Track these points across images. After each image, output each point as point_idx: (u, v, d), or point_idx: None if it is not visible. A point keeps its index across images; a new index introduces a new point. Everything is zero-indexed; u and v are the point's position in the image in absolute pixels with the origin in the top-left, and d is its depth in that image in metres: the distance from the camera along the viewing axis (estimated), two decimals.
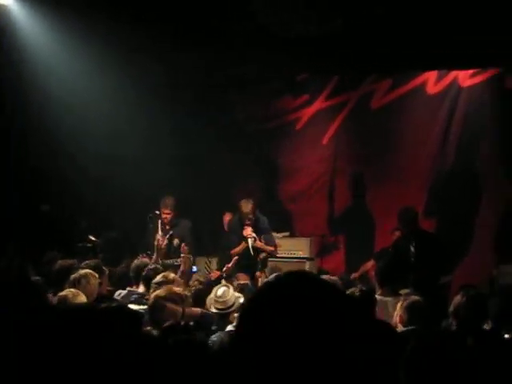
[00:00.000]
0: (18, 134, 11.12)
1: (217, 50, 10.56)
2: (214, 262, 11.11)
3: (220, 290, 6.91)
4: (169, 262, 9.93)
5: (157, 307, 5.72)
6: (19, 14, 10.30)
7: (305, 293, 1.50)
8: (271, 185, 12.71)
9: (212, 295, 6.90)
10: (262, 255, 10.03)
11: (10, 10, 10.24)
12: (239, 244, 10.06)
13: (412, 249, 9.34)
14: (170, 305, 5.74)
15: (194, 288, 7.40)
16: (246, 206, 9.99)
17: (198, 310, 6.65)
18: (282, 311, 1.48)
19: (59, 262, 7.68)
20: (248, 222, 10.00)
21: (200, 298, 7.02)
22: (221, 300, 6.82)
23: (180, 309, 5.87)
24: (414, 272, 8.98)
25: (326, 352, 1.45)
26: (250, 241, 9.94)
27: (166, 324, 5.24)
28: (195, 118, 12.30)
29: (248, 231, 9.97)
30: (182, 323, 5.55)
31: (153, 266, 7.76)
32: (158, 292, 5.96)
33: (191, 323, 6.12)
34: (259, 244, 10.00)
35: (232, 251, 10.15)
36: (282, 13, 9.41)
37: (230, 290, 7.00)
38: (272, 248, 10.18)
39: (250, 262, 9.98)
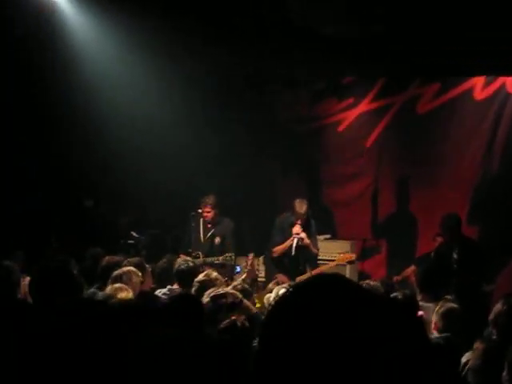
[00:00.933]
0: (63, 131, 11.25)
1: (262, 49, 10.58)
2: (255, 262, 11.13)
3: (282, 291, 6.91)
4: (210, 259, 9.99)
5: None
6: (68, 10, 10.45)
7: (333, 298, 1.42)
8: (314, 186, 12.68)
9: (273, 294, 6.90)
10: (309, 255, 10.03)
11: (60, 6, 10.41)
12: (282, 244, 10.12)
13: (455, 255, 9.30)
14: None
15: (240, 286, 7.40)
16: (301, 207, 10.04)
17: (254, 307, 6.64)
18: (308, 316, 1.40)
19: (106, 258, 7.76)
20: (299, 222, 10.03)
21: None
22: None
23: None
24: (457, 278, 8.91)
25: (352, 359, 1.36)
26: (295, 240, 9.98)
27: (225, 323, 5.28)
28: (239, 117, 12.32)
29: (297, 229, 9.99)
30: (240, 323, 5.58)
31: (185, 264, 7.80)
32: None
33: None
34: (307, 242, 10.01)
35: (274, 249, 10.20)
36: (324, 13, 9.40)
37: None
38: (316, 251, 10.23)
39: (291, 263, 9.99)
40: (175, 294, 7.17)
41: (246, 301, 6.41)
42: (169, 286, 7.65)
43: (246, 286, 7.44)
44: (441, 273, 8.37)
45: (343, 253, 10.67)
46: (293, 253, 10.05)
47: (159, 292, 7.58)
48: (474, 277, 8.88)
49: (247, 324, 5.56)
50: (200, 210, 10.53)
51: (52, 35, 10.31)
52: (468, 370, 4.99)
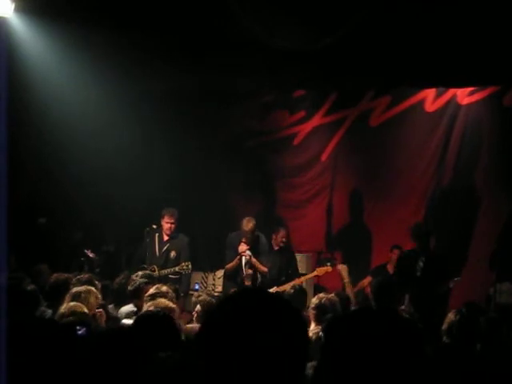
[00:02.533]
0: (16, 148, 11.11)
1: (211, 63, 10.55)
2: (211, 277, 11.08)
3: None
4: (166, 271, 9.95)
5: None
6: (19, 26, 10.33)
7: (249, 305, 1.88)
8: (269, 200, 12.67)
9: None
10: (249, 271, 10.03)
11: (10, 23, 10.27)
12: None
13: (421, 263, 9.40)
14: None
15: (202, 301, 7.34)
16: (247, 225, 10.04)
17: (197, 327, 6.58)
18: (234, 319, 1.85)
19: (54, 275, 7.63)
20: (244, 240, 10.02)
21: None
22: None
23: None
24: (418, 287, 8.98)
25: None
26: (243, 258, 9.98)
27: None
28: (191, 132, 12.27)
29: (243, 248, 10.00)
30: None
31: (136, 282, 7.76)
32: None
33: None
34: (253, 261, 10.02)
35: (226, 266, 10.19)
36: (275, 25, 9.40)
37: None
38: (265, 269, 10.20)
39: (241, 279, 9.98)
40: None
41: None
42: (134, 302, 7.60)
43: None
44: (395, 285, 8.41)
45: (322, 266, 10.70)
46: (244, 271, 10.06)
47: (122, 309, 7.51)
48: (434, 287, 9.02)
49: None
50: (154, 226, 10.48)
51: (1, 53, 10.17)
52: None
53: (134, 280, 7.94)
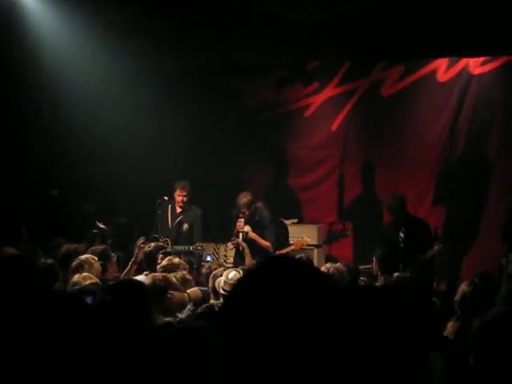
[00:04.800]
0: (28, 122, 11.14)
1: (225, 35, 10.53)
2: (222, 248, 11.11)
3: (231, 274, 6.91)
4: (179, 248, 9.94)
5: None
6: (33, 6, 10.39)
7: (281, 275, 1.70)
8: (280, 172, 12.67)
9: (223, 277, 6.91)
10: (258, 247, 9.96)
11: (24, 3, 10.35)
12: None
13: (401, 234, 9.43)
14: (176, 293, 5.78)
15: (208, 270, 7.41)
16: (241, 199, 9.94)
17: (199, 292, 6.65)
18: (262, 293, 1.67)
19: (65, 246, 7.66)
20: (241, 216, 9.96)
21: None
22: (231, 282, 6.83)
23: (185, 294, 5.94)
24: (404, 257, 9.00)
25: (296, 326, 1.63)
26: (240, 235, 9.93)
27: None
28: (204, 105, 12.26)
29: (239, 224, 9.93)
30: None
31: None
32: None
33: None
34: (253, 235, 9.93)
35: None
36: None
37: (241, 275, 7.02)
38: (267, 243, 10.05)
39: (241, 258, 9.94)
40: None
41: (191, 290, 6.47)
42: (145, 272, 7.61)
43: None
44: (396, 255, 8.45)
45: (300, 238, 10.67)
46: (241, 247, 10.03)
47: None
48: (419, 252, 9.07)
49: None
50: (166, 197, 10.50)
51: (18, 33, 10.23)
52: None
53: (146, 250, 8.00)
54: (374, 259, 7.88)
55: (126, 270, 8.03)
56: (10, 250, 7.17)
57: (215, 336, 3.02)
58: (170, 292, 5.74)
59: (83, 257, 6.93)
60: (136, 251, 8.04)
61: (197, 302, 6.28)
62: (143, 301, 4.28)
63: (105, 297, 4.11)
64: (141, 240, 8.35)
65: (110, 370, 3.27)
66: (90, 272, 6.58)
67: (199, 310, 5.67)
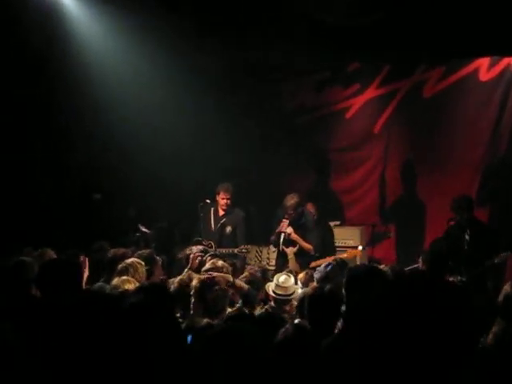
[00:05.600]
0: (71, 126, 11.28)
1: (266, 39, 10.58)
2: (265, 251, 11.17)
3: (282, 277, 7.02)
4: (224, 251, 9.99)
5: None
6: (72, 7, 10.54)
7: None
8: (322, 174, 12.70)
9: (274, 281, 7.01)
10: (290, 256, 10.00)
11: (67, 5, 10.50)
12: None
13: (466, 237, 9.35)
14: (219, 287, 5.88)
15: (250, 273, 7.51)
16: (289, 201, 10.00)
17: (245, 285, 6.78)
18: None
19: (112, 250, 7.76)
20: (286, 217, 10.01)
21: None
22: (283, 286, 6.92)
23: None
24: (467, 260, 8.96)
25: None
26: (282, 235, 9.99)
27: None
28: (244, 108, 12.33)
29: (284, 226, 9.99)
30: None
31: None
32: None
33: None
34: (295, 237, 9.97)
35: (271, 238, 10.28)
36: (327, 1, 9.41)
37: (292, 279, 7.09)
38: (309, 246, 10.05)
39: (284, 260, 9.97)
40: None
41: (236, 280, 6.68)
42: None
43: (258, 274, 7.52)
44: (450, 256, 8.40)
45: (353, 248, 10.68)
46: (280, 247, 10.08)
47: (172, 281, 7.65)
48: (484, 258, 8.97)
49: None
50: (208, 201, 10.57)
51: (57, 32, 10.38)
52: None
53: (187, 252, 8.10)
54: (419, 259, 7.86)
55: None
56: (51, 254, 7.28)
57: (254, 338, 3.08)
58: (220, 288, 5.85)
59: (129, 260, 7.04)
60: (191, 260, 8.11)
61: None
62: (165, 303, 4.33)
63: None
64: (197, 249, 8.40)
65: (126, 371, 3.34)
66: (134, 276, 6.69)
67: (229, 314, 5.73)
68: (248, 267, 8.19)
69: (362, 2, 9.50)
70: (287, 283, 6.97)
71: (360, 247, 10.67)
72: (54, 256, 7.11)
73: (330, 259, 10.18)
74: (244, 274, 7.20)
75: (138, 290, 5.40)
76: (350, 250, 10.49)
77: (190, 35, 10.49)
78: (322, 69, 12.49)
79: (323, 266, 7.18)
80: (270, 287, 6.96)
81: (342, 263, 7.92)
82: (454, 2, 9.59)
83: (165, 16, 9.93)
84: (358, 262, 10.33)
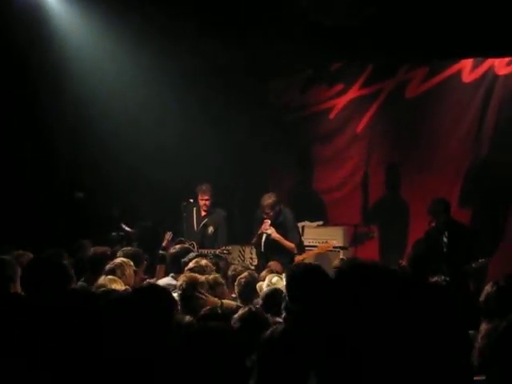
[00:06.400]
0: (53, 124, 11.25)
1: (251, 37, 10.61)
2: (248, 250, 11.21)
3: (274, 279, 7.05)
4: (206, 251, 10.01)
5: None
6: (55, 4, 10.52)
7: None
8: (305, 173, 12.75)
9: (266, 281, 7.02)
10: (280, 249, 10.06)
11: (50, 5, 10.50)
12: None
13: (444, 239, 9.47)
14: (199, 295, 5.89)
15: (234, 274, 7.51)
16: (265, 200, 10.07)
17: (233, 305, 6.60)
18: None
19: (93, 248, 7.76)
20: (266, 217, 10.08)
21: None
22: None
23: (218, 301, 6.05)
24: (447, 262, 9.04)
25: None
26: (263, 235, 10.05)
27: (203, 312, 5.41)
28: (229, 105, 12.35)
29: (265, 226, 10.05)
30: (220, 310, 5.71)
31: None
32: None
33: None
34: (276, 236, 10.03)
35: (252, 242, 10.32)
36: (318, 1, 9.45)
37: (283, 281, 7.13)
38: (291, 244, 10.16)
39: (265, 260, 10.02)
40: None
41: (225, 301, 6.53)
42: (171, 274, 7.73)
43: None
44: (431, 256, 8.49)
45: (325, 241, 10.78)
46: (262, 249, 10.14)
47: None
48: (464, 259, 9.06)
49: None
50: (191, 200, 10.60)
51: (40, 30, 10.36)
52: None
53: (172, 252, 8.12)
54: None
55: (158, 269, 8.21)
56: (29, 256, 7.23)
57: (232, 336, 3.12)
58: (201, 292, 5.86)
59: (117, 261, 7.03)
60: (164, 243, 8.12)
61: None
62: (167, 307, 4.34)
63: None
64: (169, 234, 8.43)
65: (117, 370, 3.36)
66: (121, 277, 6.69)
67: (202, 312, 5.73)
68: (232, 267, 8.22)
69: (348, 1, 9.55)
70: (279, 284, 7.02)
71: (334, 242, 10.77)
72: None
73: (312, 254, 10.33)
74: (244, 275, 7.19)
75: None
76: (321, 245, 10.60)
77: (174, 33, 10.49)
78: (306, 67, 12.50)
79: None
80: (263, 287, 6.97)
81: (348, 261, 8.02)
82: (437, 2, 9.67)
83: (149, 14, 9.94)
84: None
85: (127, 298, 4.27)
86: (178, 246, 8.47)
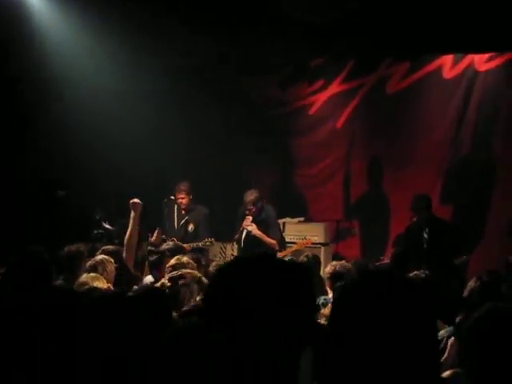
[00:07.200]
0: (34, 122, 11.21)
1: (231, 34, 10.62)
2: (229, 247, 11.22)
3: None
4: (188, 246, 10.01)
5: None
6: (39, 6, 10.51)
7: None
8: (286, 170, 12.79)
9: None
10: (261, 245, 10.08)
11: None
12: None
13: (425, 235, 9.53)
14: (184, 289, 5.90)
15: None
16: (248, 196, 10.14)
17: None
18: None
19: (66, 247, 7.71)
20: (247, 213, 10.13)
21: None
22: None
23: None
24: (427, 258, 9.11)
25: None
26: (244, 231, 10.09)
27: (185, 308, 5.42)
28: (210, 102, 12.35)
29: (246, 221, 10.10)
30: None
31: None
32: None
33: None
34: (257, 233, 10.08)
35: (234, 239, 10.35)
36: None
37: None
38: (273, 241, 10.23)
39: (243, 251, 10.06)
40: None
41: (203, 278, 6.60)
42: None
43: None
44: (413, 253, 8.57)
45: (304, 237, 10.87)
46: (242, 244, 10.19)
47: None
48: (445, 255, 9.13)
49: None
50: (173, 197, 10.60)
51: (21, 27, 10.33)
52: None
53: (157, 251, 8.12)
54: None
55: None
56: None
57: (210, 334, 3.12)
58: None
59: (98, 258, 7.03)
60: (153, 239, 8.12)
61: None
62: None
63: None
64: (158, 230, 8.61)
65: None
66: (102, 273, 6.69)
67: (185, 308, 5.75)
68: (213, 263, 8.24)
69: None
70: None
71: (315, 238, 10.83)
72: None
73: (290, 251, 10.36)
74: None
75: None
76: (299, 241, 10.66)
77: (152, 28, 10.48)
78: (285, 64, 12.52)
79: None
80: None
81: (313, 258, 8.07)
82: None
83: (128, 11, 9.93)
84: (323, 258, 10.50)
85: (116, 298, 4.27)
86: (171, 243, 8.52)
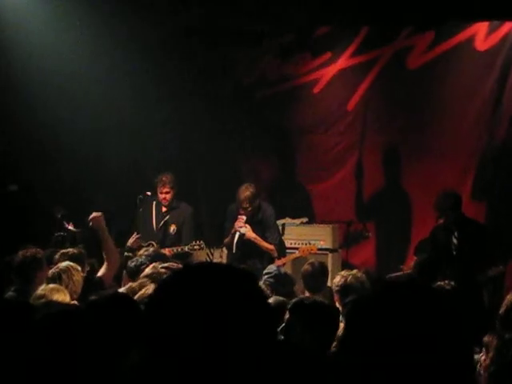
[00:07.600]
0: None
1: None
2: (217, 253, 11.12)
3: None
4: (174, 249, 9.97)
5: None
6: None
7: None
8: (286, 161, 12.69)
9: None
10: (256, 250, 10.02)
11: None
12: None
13: (454, 240, 9.43)
14: None
15: None
16: (242, 192, 9.98)
17: None
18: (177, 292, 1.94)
19: (20, 252, 7.60)
20: (242, 212, 9.99)
21: None
22: None
23: None
24: (456, 267, 9.02)
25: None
26: (236, 234, 9.97)
27: None
28: (192, 82, 12.24)
29: (239, 222, 9.96)
30: None
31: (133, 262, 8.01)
32: None
33: None
34: (252, 236, 9.97)
35: (224, 242, 10.24)
36: None
37: None
38: (270, 246, 10.14)
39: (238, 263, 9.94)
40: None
41: None
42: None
43: None
44: (439, 261, 8.48)
45: (308, 243, 10.78)
46: (233, 249, 10.08)
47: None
48: (477, 264, 9.03)
49: None
50: (149, 193, 10.49)
51: None
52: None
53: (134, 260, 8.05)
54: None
55: None
56: None
57: None
58: None
59: (63, 265, 6.96)
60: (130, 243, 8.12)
61: None
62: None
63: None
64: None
65: None
66: (67, 284, 6.59)
67: None
68: None
69: None
70: None
71: (321, 243, 10.76)
72: None
73: (290, 258, 10.28)
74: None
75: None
76: (302, 247, 10.54)
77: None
78: (286, 32, 12.41)
79: None
80: None
81: (319, 266, 7.95)
82: None
83: None
84: (331, 267, 10.41)
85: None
86: (151, 250, 8.61)
